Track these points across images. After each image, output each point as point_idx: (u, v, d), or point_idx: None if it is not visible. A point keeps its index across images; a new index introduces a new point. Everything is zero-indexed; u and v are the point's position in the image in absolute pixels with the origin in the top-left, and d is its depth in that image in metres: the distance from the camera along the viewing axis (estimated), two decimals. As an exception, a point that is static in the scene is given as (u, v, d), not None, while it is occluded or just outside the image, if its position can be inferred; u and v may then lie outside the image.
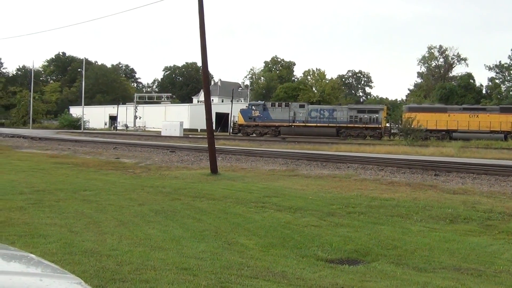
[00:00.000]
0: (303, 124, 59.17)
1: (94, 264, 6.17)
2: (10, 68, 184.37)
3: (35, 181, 14.92)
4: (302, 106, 61.29)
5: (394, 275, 6.69)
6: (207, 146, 21.22)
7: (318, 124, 58.48)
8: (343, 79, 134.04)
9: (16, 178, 15.34)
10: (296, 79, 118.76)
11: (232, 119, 65.71)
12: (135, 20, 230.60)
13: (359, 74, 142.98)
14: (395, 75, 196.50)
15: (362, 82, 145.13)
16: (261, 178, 18.03)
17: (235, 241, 8.15)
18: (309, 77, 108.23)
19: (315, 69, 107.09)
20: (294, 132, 59.15)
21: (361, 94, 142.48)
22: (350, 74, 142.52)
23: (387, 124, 59.15)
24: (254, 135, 60.20)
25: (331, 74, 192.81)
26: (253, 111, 61.34)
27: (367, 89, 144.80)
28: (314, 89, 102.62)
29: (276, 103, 63.46)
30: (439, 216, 10.94)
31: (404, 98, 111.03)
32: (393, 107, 77.28)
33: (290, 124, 59.64)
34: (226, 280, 5.90)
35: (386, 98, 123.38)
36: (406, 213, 11.23)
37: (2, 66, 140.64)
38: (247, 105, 66.29)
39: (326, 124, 58.18)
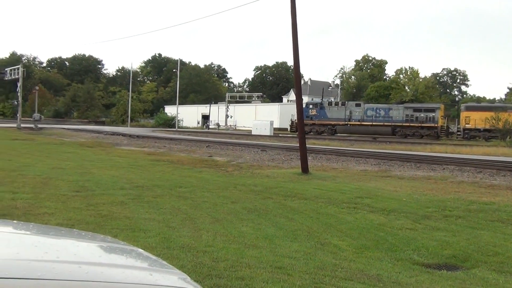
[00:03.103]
0: (359, 123, 59.17)
1: (191, 260, 6.36)
2: (111, 69, 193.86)
3: (134, 177, 15.57)
4: (358, 105, 61.22)
5: (496, 283, 6.39)
6: (297, 145, 21.26)
7: (373, 123, 58.27)
8: (438, 78, 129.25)
9: (117, 174, 16.08)
10: (387, 78, 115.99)
11: (291, 118, 66.42)
12: (228, 21, 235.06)
13: (455, 72, 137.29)
14: (494, 74, 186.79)
15: (458, 81, 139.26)
16: (353, 179, 17.81)
17: (328, 242, 8.10)
18: (401, 75, 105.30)
19: (407, 68, 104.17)
20: (349, 131, 59.76)
21: (456, 93, 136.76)
22: (445, 72, 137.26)
23: (445, 123, 57.42)
24: (312, 133, 60.31)
25: (425, 72, 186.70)
26: (310, 110, 61.79)
27: (463, 88, 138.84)
28: (407, 88, 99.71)
29: (333, 102, 63.35)
30: (545, 222, 10.30)
31: (503, 97, 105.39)
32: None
33: (346, 122, 59.83)
34: (320, 281, 5.88)
35: (484, 97, 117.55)
36: (507, 218, 10.68)
37: (103, 68, 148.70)
38: (305, 104, 66.69)
39: (382, 123, 57.85)
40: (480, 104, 61.08)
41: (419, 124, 56.21)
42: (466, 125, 53.85)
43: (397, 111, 57.67)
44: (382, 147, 38.20)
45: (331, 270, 6.35)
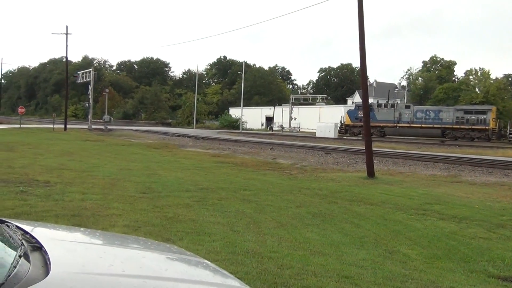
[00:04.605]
0: (408, 125, 58.67)
1: (256, 266, 6.25)
2: (177, 71, 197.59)
3: (199, 179, 15.68)
4: (407, 107, 60.60)
5: None
6: (362, 148, 20.84)
7: (423, 125, 57.62)
8: (510, 79, 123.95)
9: (182, 176, 16.26)
10: (456, 79, 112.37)
11: (340, 119, 66.16)
12: (292, 23, 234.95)
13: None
14: None
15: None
16: (421, 184, 17.26)
17: (396, 250, 7.81)
18: (471, 77, 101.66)
19: (478, 68, 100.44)
20: (398, 133, 58.97)
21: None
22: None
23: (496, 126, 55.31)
24: (361, 135, 59.57)
25: (496, 73, 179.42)
26: (359, 112, 61.12)
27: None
28: (477, 89, 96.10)
29: (382, 104, 62.51)
30: None
31: None
32: None
33: (395, 124, 59.41)
34: (390, 293, 5.65)
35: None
36: None
37: (170, 70, 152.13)
38: (354, 106, 66.35)
39: (431, 125, 57.10)
40: None
41: (470, 127, 55.15)
42: None
43: (448, 113, 56.78)
44: (451, 151, 37.01)
45: (401, 281, 6.09)
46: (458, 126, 55.74)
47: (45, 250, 2.06)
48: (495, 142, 52.99)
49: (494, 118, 55.55)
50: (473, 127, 54.96)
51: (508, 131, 55.23)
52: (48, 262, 1.93)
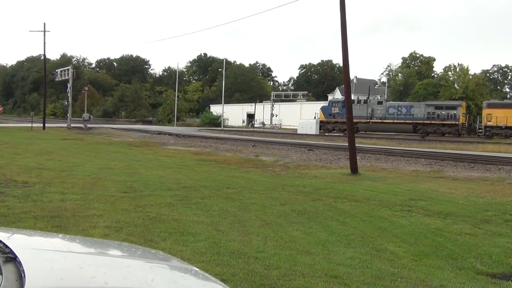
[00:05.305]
0: (380, 120, 59.63)
1: (243, 267, 6.08)
2: (157, 69, 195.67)
3: (181, 177, 15.47)
4: (380, 103, 61.63)
5: None
6: (344, 144, 20.80)
7: (395, 121, 58.75)
8: (488, 74, 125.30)
9: (164, 174, 16.02)
10: (436, 75, 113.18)
11: (314, 116, 67.14)
12: (272, 20, 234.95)
13: (506, 69, 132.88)
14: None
15: (509, 77, 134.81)
16: (404, 180, 17.26)
17: (384, 248, 7.70)
18: (450, 72, 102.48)
19: (456, 64, 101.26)
20: (371, 129, 59.99)
21: (507, 90, 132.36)
22: (495, 69, 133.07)
23: (466, 121, 56.92)
24: (335, 131, 61.32)
25: (474, 69, 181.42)
26: (332, 108, 62.89)
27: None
28: (456, 85, 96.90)
29: (356, 100, 62.82)
30: None
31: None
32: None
33: (368, 120, 60.26)
34: (380, 292, 5.53)
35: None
36: None
37: (150, 68, 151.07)
38: (328, 102, 67.79)
39: (403, 121, 58.17)
40: (502, 102, 61.16)
41: (440, 122, 56.17)
42: (488, 123, 53.18)
43: (419, 109, 57.91)
44: (432, 146, 37.22)
45: (390, 280, 5.97)
46: (429, 122, 56.75)
47: (20, 261, 1.87)
48: (465, 136, 54.30)
49: (464, 113, 56.79)
50: (444, 122, 56.00)
51: (477, 125, 56.24)
52: (22, 275, 1.74)
